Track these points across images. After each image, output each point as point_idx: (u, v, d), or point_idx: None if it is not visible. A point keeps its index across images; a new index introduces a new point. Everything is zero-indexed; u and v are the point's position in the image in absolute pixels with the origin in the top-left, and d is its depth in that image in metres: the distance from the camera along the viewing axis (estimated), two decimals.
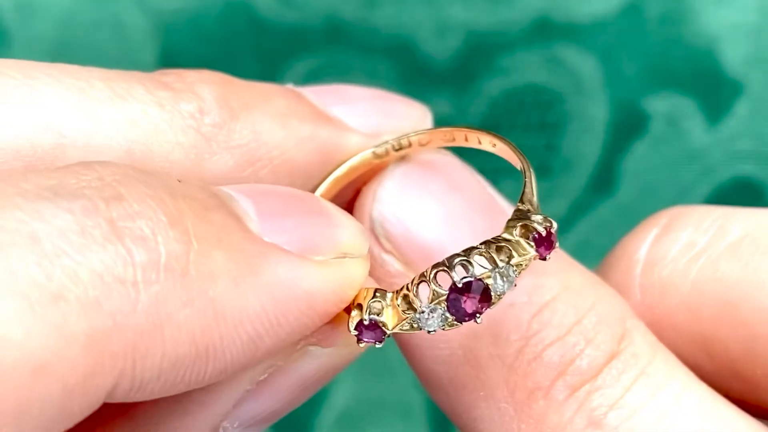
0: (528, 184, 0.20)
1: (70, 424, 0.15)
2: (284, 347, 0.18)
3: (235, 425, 0.19)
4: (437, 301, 0.18)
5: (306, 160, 0.21)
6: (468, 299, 0.18)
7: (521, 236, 0.18)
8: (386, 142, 0.22)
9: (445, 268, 0.18)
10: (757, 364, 0.20)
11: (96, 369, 0.14)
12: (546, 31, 0.39)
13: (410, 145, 0.22)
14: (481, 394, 0.20)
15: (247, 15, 0.39)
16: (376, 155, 0.22)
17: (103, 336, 0.14)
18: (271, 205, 0.18)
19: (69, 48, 0.38)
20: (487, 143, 0.22)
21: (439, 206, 0.21)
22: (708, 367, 0.21)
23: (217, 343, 0.16)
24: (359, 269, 0.19)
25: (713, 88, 0.41)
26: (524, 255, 0.18)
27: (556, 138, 0.41)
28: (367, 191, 0.22)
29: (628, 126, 0.41)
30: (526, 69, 0.40)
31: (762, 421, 0.20)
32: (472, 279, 0.18)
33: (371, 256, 0.21)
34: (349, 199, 0.23)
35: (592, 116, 0.40)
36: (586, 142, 0.41)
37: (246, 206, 0.18)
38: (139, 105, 0.19)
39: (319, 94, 0.22)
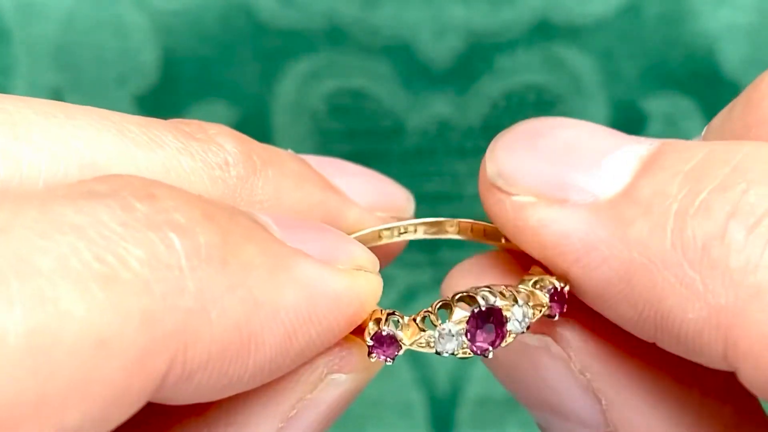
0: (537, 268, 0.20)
1: (127, 412, 0.15)
2: (312, 352, 0.18)
3: None
4: (458, 320, 0.18)
5: None
6: (484, 331, 0.18)
7: (537, 288, 0.19)
8: (393, 226, 0.23)
9: (470, 295, 0.19)
10: None
11: (152, 347, 0.15)
12: (546, 31, 0.39)
13: (415, 231, 0.23)
14: (651, 269, 0.18)
15: (247, 15, 0.39)
16: (381, 236, 0.23)
17: (156, 315, 0.15)
18: (287, 221, 0.19)
19: (69, 48, 0.38)
20: (495, 239, 0.23)
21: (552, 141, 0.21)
22: None
23: (258, 332, 0.17)
24: (375, 283, 0.19)
25: (712, 89, 0.41)
26: (540, 302, 0.19)
27: None
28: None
29: (627, 126, 0.41)
30: (526, 69, 0.40)
31: None
32: (494, 306, 0.18)
33: (500, 214, 0.21)
34: None
35: (591, 116, 0.40)
36: None
37: (266, 219, 0.19)
38: (172, 153, 0.20)
39: (320, 164, 0.23)
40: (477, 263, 0.23)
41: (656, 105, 0.41)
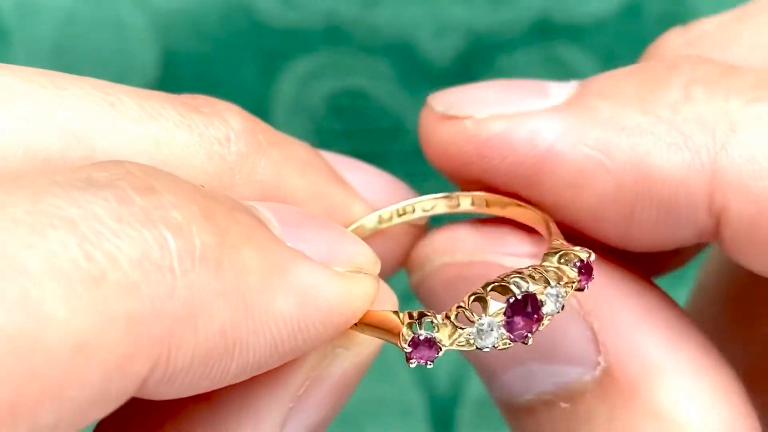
0: (554, 230, 0.20)
1: (105, 411, 0.15)
2: (296, 355, 0.18)
3: None
4: (495, 313, 0.18)
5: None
6: (522, 317, 0.18)
7: (563, 264, 0.19)
8: (391, 208, 0.23)
9: (502, 284, 0.18)
10: None
11: (134, 352, 0.15)
12: (546, 31, 0.39)
13: (413, 211, 0.23)
14: (628, 134, 0.20)
15: (247, 15, 0.39)
16: (381, 219, 0.23)
17: (142, 319, 0.15)
18: (289, 216, 0.19)
19: (69, 48, 0.38)
20: (497, 208, 0.22)
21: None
22: None
23: (243, 340, 0.16)
24: (372, 287, 0.19)
25: None
26: (569, 278, 0.19)
27: None
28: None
29: None
30: (526, 69, 0.40)
31: None
32: (528, 293, 0.18)
33: (457, 136, 0.21)
34: None
35: None
36: None
37: (267, 214, 0.18)
38: (167, 125, 0.19)
39: (332, 159, 0.23)
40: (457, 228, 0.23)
41: None
